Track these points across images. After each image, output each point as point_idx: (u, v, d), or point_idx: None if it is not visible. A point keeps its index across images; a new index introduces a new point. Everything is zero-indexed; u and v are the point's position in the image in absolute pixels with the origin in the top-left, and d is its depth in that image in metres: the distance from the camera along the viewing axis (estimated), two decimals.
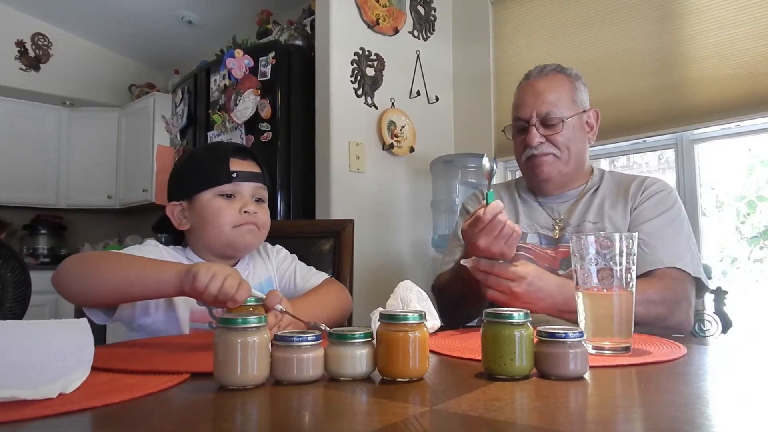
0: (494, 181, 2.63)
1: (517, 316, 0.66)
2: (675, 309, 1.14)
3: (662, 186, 1.33)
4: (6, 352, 0.61)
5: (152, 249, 1.13)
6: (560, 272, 1.27)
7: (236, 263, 1.22)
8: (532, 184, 1.43)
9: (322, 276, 1.28)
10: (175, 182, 1.20)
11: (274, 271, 1.28)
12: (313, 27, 2.70)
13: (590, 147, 1.43)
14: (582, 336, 0.67)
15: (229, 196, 1.14)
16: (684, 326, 1.16)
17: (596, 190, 1.38)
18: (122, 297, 0.97)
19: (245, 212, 1.13)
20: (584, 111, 1.38)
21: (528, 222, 1.40)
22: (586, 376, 0.66)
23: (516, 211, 1.44)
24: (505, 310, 0.68)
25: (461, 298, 1.25)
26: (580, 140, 1.36)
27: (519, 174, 1.52)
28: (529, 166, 1.38)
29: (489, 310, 0.69)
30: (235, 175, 1.13)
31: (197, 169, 1.17)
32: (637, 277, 1.14)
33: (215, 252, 1.17)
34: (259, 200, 1.18)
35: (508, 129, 1.43)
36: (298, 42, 2.78)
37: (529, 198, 1.45)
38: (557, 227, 1.36)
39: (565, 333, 0.66)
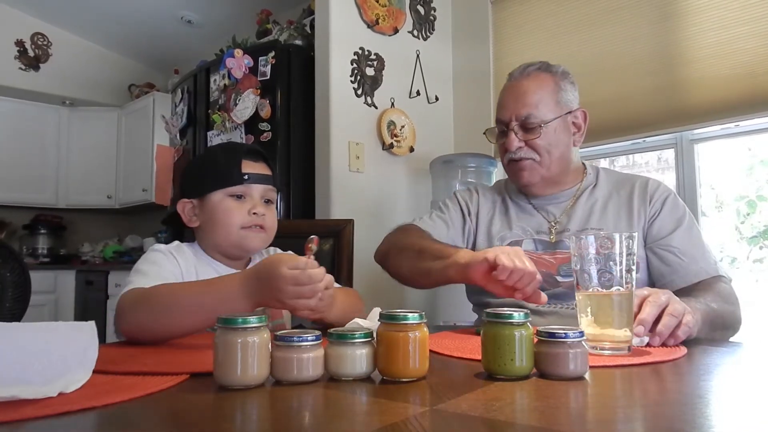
0: (494, 180, 2.62)
1: (517, 316, 0.66)
2: (738, 306, 1.16)
3: (664, 189, 1.31)
4: (8, 352, 0.61)
5: (163, 259, 1.11)
6: (559, 278, 1.25)
7: (247, 263, 1.22)
8: (516, 187, 1.40)
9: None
10: (188, 180, 1.22)
11: None
12: (312, 27, 2.70)
13: (580, 147, 1.39)
14: (582, 336, 0.67)
15: (239, 197, 1.15)
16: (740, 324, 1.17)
17: (593, 189, 1.35)
18: (192, 333, 0.96)
19: (254, 213, 1.15)
20: (570, 112, 1.31)
21: (522, 227, 1.35)
22: (586, 376, 0.66)
23: (507, 214, 1.39)
24: (506, 311, 0.67)
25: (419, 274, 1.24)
26: (563, 143, 1.31)
27: None
28: (511, 170, 1.35)
29: (489, 310, 0.69)
30: (246, 177, 1.15)
31: (211, 168, 1.18)
32: (683, 287, 1.16)
33: (223, 251, 1.19)
34: (268, 201, 1.20)
35: (490, 132, 1.38)
36: (298, 42, 2.78)
37: (521, 201, 1.40)
38: (553, 230, 1.32)
39: (565, 333, 0.66)
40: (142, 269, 1.06)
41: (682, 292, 1.10)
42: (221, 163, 1.17)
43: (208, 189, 1.15)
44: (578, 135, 1.34)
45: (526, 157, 1.30)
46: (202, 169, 1.21)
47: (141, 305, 0.94)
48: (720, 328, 1.05)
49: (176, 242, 1.21)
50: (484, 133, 1.41)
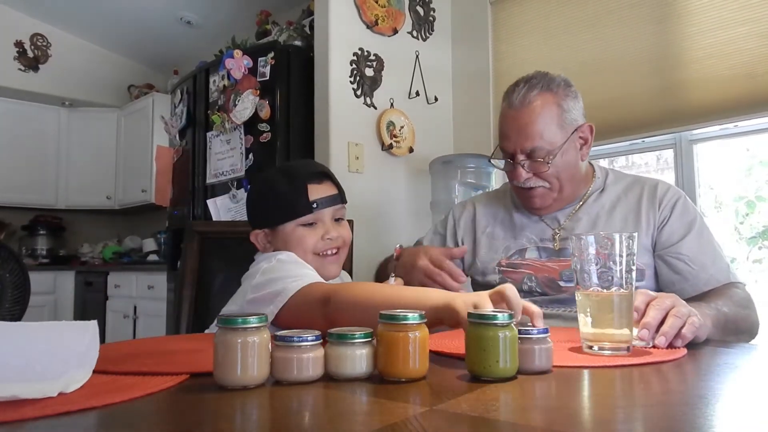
0: (493, 180, 2.62)
1: (501, 317, 0.66)
2: (754, 310, 1.15)
3: (674, 192, 1.28)
4: (9, 353, 0.60)
5: (303, 263, 1.10)
6: (561, 283, 1.25)
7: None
8: (526, 210, 1.38)
9: None
10: (256, 212, 1.18)
11: None
12: (312, 27, 2.70)
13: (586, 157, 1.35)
14: (546, 333, 0.70)
15: (310, 224, 1.13)
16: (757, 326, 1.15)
17: (600, 193, 1.33)
18: None
19: (328, 239, 1.13)
20: (576, 130, 1.27)
21: (526, 235, 1.34)
22: (587, 376, 0.66)
23: (511, 223, 1.38)
24: (489, 312, 0.68)
25: None
26: (571, 163, 1.28)
27: None
28: (521, 196, 1.33)
29: (472, 311, 0.69)
30: (315, 205, 1.12)
31: (276, 200, 1.14)
32: (695, 295, 1.15)
33: None
34: (338, 219, 1.17)
35: (496, 157, 1.34)
36: (297, 42, 2.78)
37: (524, 209, 1.38)
38: (557, 237, 1.30)
39: (528, 330, 0.70)
40: (299, 272, 1.02)
41: (692, 299, 1.08)
42: (287, 193, 1.12)
43: (278, 221, 1.13)
44: (585, 147, 1.31)
45: (535, 186, 1.28)
46: (267, 201, 1.16)
47: (337, 298, 0.90)
48: (733, 333, 1.03)
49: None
50: (489, 160, 1.39)
